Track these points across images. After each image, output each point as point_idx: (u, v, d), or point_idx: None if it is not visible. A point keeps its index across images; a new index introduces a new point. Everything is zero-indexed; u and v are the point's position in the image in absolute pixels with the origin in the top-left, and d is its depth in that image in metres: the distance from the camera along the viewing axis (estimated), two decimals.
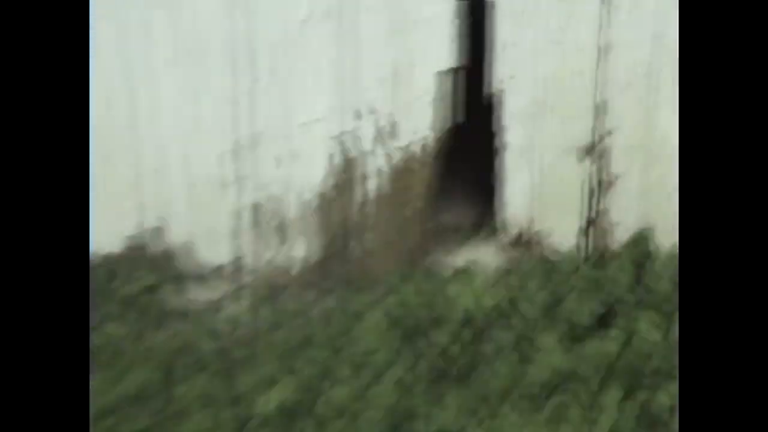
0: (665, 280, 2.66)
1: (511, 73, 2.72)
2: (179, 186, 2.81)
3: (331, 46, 2.67)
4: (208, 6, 2.65)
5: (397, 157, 2.77)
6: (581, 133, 2.75)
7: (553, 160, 2.79)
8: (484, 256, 2.89)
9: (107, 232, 2.76)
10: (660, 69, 2.68)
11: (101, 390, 2.36)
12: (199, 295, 2.83)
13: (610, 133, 2.73)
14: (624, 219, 2.82)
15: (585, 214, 2.83)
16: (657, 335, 2.50)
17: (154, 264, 2.85)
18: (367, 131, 2.75)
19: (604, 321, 2.59)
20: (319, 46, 2.67)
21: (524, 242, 2.88)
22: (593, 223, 2.83)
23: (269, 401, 2.36)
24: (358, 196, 2.80)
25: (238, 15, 2.64)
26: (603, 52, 2.66)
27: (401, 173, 2.79)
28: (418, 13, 2.66)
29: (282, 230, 2.82)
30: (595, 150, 2.75)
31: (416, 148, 2.77)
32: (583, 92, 2.70)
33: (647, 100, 2.72)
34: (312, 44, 2.67)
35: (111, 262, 2.81)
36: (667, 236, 2.71)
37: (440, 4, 2.66)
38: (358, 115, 2.73)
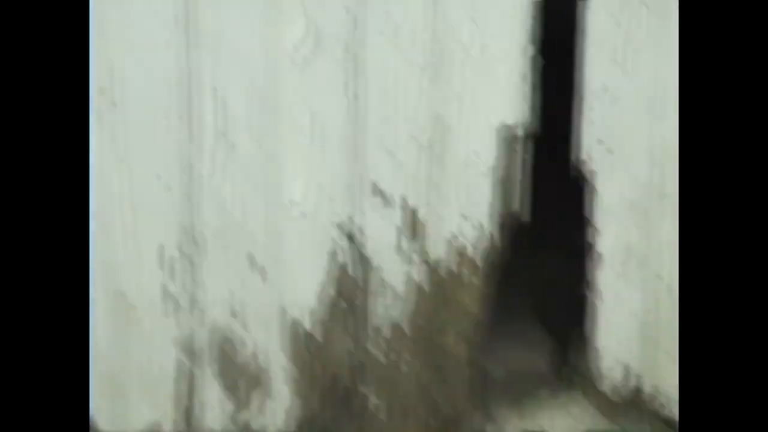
0: None
1: (603, 138, 1.81)
2: (100, 303, 1.85)
3: (334, 90, 1.78)
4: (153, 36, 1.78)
5: (434, 260, 1.83)
6: None
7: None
8: (568, 421, 1.93)
9: None
10: None
11: None
12: None
13: None
14: None
15: None
16: None
17: None
18: (387, 219, 1.81)
19: None
20: (314, 89, 1.77)
21: (634, 402, 1.90)
22: None
23: None
24: (372, 321, 1.85)
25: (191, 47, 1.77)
26: None
27: (441, 286, 1.83)
28: (468, 44, 1.77)
29: (255, 377, 1.85)
30: None
31: (464, 247, 1.82)
32: None
33: None
34: (303, 87, 1.77)
35: None
36: None
37: (502, 29, 1.78)
38: (374, 194, 1.81)
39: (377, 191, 1.80)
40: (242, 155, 1.80)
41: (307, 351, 1.84)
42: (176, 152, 1.80)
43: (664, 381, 1.89)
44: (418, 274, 1.83)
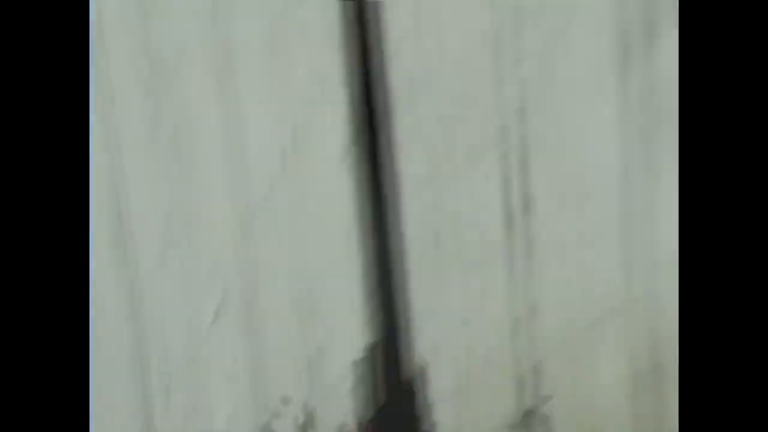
0: None
1: (433, 346, 2.46)
2: None
3: (241, 342, 2.56)
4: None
5: None
6: (513, 405, 2.42)
7: None
8: None
9: None
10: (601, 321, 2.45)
11: None
12: None
13: (548, 398, 2.50)
14: None
15: None
16: None
17: None
18: (285, 425, 2.54)
19: None
20: (227, 341, 2.55)
21: None
22: None
23: None
24: None
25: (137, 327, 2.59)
26: (524, 321, 2.48)
27: None
28: (330, 299, 2.53)
29: None
30: (532, 420, 2.51)
31: None
32: (510, 359, 2.51)
33: (586, 360, 2.51)
34: (217, 342, 2.56)
35: None
36: None
37: (350, 291, 2.56)
38: (282, 403, 2.55)
39: (285, 400, 2.54)
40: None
41: None
42: (132, 399, 2.58)
43: None
44: None
